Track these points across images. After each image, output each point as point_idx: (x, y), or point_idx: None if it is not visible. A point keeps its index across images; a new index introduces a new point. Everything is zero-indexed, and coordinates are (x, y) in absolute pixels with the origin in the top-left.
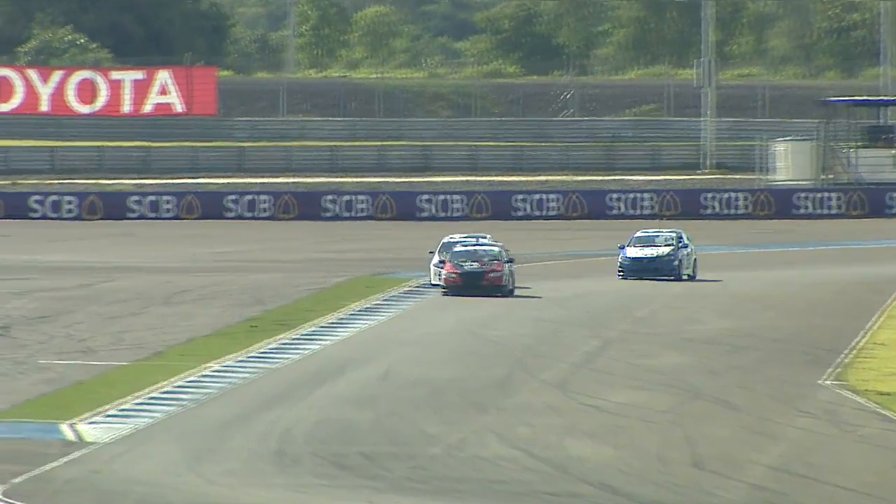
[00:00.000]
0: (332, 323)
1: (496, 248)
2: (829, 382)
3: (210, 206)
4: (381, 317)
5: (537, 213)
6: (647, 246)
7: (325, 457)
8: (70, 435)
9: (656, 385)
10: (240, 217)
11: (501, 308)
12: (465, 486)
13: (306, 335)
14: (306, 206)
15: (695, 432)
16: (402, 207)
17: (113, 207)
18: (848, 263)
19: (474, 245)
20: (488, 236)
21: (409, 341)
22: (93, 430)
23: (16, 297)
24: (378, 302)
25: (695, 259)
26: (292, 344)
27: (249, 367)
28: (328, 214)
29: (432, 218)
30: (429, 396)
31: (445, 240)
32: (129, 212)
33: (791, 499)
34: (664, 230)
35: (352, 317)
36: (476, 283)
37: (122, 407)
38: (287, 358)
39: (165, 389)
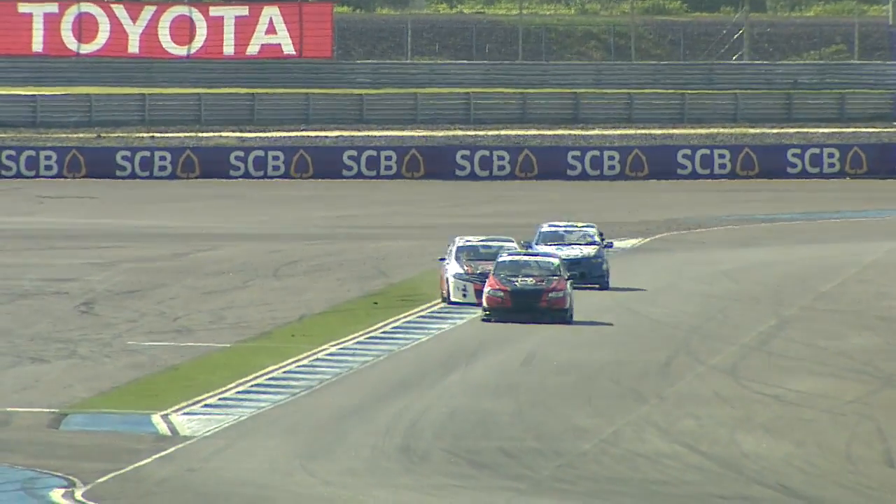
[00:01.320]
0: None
1: (555, 260)
2: None
3: (325, 164)
4: None
5: (703, 171)
6: (562, 244)
7: (458, 453)
8: (163, 428)
9: (843, 371)
10: (359, 176)
11: (663, 282)
12: (620, 487)
13: (436, 313)
14: (436, 164)
15: (889, 426)
16: (548, 165)
17: (212, 164)
18: None
19: (527, 254)
20: (512, 240)
21: None
22: (189, 422)
23: (100, 268)
24: None
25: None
26: (419, 323)
27: (370, 350)
28: (461, 173)
29: (582, 177)
30: (578, 384)
31: (459, 242)
32: (231, 169)
33: None
34: (577, 223)
35: None
36: (531, 304)
37: (224, 396)
38: (414, 339)
39: (273, 375)
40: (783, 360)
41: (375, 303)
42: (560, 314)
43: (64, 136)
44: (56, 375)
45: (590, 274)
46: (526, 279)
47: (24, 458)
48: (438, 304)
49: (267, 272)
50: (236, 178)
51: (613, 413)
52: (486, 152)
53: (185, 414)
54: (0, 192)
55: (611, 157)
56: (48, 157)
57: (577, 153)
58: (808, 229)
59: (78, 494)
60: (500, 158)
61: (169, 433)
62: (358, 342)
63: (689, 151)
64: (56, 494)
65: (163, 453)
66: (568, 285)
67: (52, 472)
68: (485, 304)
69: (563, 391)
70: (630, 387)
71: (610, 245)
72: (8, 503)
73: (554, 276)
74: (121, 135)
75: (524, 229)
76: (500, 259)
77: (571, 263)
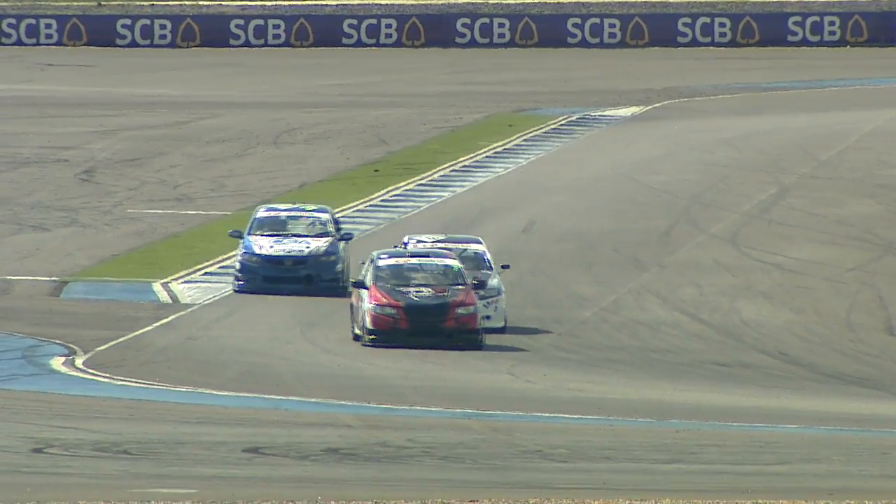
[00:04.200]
0: (466, 167)
1: (454, 262)
2: None
3: (325, 32)
4: (522, 159)
5: (704, 39)
6: (285, 235)
7: None
8: (163, 295)
9: (843, 238)
10: (359, 44)
11: (663, 149)
12: (620, 355)
13: (436, 181)
14: (436, 31)
15: (889, 293)
16: (548, 32)
17: (212, 33)
18: None
19: (415, 255)
20: (480, 240)
21: (556, 188)
22: (189, 290)
23: (101, 136)
24: (519, 142)
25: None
26: (419, 191)
27: (370, 218)
28: (462, 41)
29: (582, 44)
30: (579, 252)
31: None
32: (232, 38)
33: None
34: (306, 207)
35: (488, 159)
36: (434, 325)
37: (224, 264)
38: (414, 207)
39: None
40: (783, 229)
41: (376, 170)
42: (471, 337)
43: (64, 3)
44: (57, 244)
45: (319, 277)
46: (423, 290)
47: (25, 326)
48: (438, 172)
49: (267, 140)
50: (236, 46)
51: (614, 281)
52: (487, 20)
53: (185, 282)
54: (0, 60)
55: (611, 25)
56: (48, 25)
57: (578, 21)
58: (809, 97)
59: (78, 362)
60: (501, 26)
61: (169, 301)
62: (358, 210)
63: (689, 20)
64: (57, 362)
65: (163, 321)
66: (476, 298)
67: (52, 340)
68: (369, 324)
69: (564, 259)
70: (630, 255)
71: (349, 237)
72: (9, 371)
73: (458, 284)
74: (121, 3)
75: (525, 97)
76: (380, 262)
77: (297, 262)
